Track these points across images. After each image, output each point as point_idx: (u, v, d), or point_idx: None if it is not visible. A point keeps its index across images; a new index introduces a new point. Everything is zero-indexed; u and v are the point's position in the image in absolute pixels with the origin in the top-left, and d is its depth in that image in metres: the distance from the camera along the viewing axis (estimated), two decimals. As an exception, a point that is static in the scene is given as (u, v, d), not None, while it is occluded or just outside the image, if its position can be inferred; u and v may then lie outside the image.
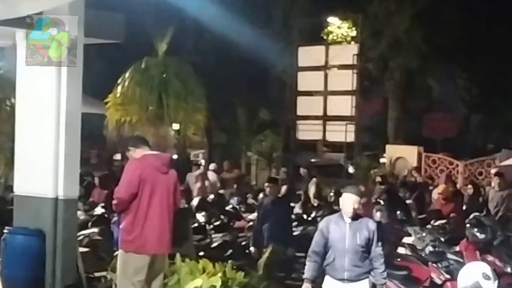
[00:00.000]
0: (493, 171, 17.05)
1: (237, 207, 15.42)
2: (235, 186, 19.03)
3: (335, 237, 7.17)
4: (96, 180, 15.87)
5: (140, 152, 7.55)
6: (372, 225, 7.36)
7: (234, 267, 8.57)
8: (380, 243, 7.37)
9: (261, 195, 14.61)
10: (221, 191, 17.91)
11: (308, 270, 7.23)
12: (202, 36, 26.34)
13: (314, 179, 18.01)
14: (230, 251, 11.66)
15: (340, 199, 7.38)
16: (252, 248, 11.06)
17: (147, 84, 11.33)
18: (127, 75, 11.44)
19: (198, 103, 11.56)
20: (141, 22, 17.71)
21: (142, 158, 7.50)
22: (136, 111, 11.17)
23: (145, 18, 19.82)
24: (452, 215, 13.49)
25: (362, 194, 7.35)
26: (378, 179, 16.56)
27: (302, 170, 20.04)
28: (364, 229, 7.19)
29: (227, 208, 15.04)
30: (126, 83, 11.35)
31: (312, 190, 17.33)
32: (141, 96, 11.23)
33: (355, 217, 7.23)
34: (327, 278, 7.32)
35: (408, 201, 15.42)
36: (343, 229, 7.17)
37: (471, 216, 11.33)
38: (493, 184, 15.41)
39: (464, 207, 14.82)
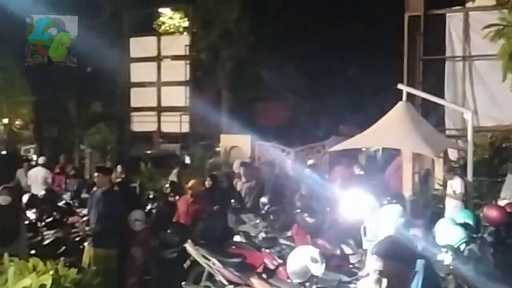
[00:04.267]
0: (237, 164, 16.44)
1: (70, 202, 15.06)
2: (67, 181, 18.55)
3: None
4: None
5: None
6: None
7: (67, 264, 8.34)
8: None
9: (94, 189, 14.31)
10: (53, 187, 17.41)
11: None
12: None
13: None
14: (63, 247, 11.38)
15: None
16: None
17: (-36, 76, 10.82)
18: None
19: (22, 96, 11.15)
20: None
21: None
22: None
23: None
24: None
25: None
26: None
27: (138, 162, 19.91)
28: None
29: (60, 204, 14.64)
30: None
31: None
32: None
33: None
34: None
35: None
36: None
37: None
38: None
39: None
